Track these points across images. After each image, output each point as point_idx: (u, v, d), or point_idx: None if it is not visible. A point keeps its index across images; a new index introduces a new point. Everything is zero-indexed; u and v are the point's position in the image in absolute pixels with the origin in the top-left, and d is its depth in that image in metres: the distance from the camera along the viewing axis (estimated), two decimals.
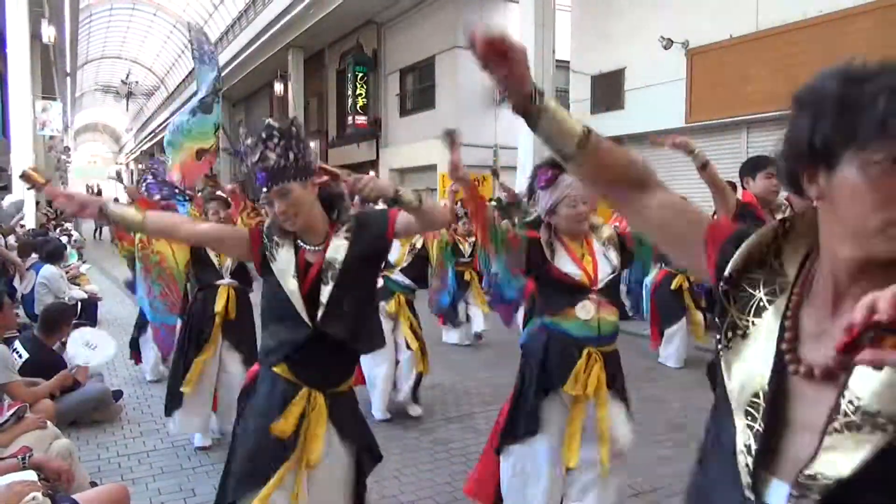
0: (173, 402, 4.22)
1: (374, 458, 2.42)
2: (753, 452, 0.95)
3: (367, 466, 2.38)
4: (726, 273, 1.04)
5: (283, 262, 2.19)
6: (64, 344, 5.02)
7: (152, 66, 41.48)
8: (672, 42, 9.67)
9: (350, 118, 19.34)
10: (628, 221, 1.39)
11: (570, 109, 12.22)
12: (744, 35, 8.89)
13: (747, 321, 1.01)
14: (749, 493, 0.94)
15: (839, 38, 7.67)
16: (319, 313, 2.15)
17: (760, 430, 0.95)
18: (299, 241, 2.22)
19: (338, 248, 2.20)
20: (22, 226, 12.34)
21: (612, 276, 2.79)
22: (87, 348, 4.84)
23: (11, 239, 8.11)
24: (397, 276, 5.01)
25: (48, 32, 16.85)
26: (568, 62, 12.29)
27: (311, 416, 2.19)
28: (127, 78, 42.09)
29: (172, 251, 4.13)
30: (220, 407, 4.33)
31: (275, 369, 2.23)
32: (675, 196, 1.21)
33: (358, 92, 19.02)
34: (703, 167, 3.01)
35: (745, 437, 0.96)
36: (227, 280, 4.32)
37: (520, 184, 11.68)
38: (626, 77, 10.91)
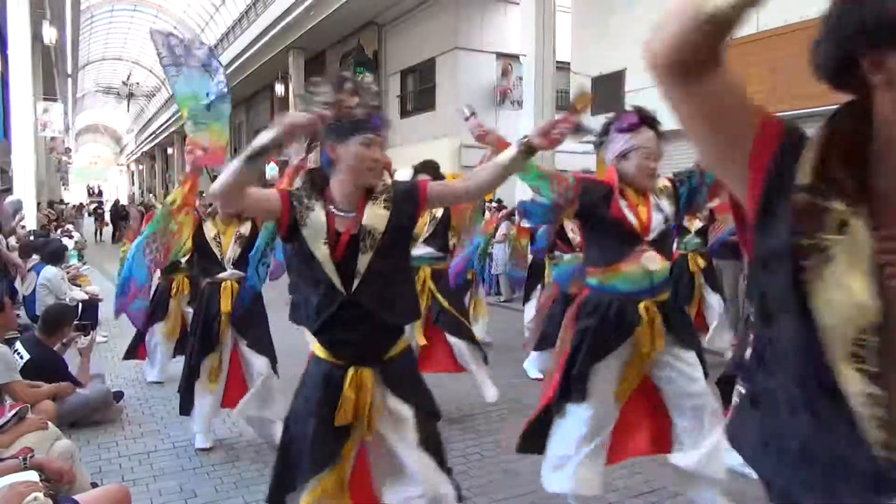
0: (188, 400, 4.18)
1: (432, 414, 2.31)
2: (879, 401, 0.78)
3: (427, 423, 2.27)
4: (803, 181, 0.87)
5: (315, 225, 2.11)
6: (65, 345, 5.03)
7: (153, 68, 41.47)
8: None
9: None
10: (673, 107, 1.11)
11: None
12: (743, 36, 8.88)
13: (828, 241, 0.84)
14: (882, 451, 0.79)
15: None
16: (355, 282, 2.09)
17: (876, 372, 0.78)
18: (331, 206, 2.15)
19: (377, 217, 2.14)
20: (23, 227, 12.35)
21: (664, 226, 2.81)
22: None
23: (12, 240, 8.11)
24: (421, 248, 4.70)
25: (49, 33, 16.87)
26: (568, 63, 12.30)
27: (362, 396, 2.13)
28: (128, 79, 42.14)
29: (187, 232, 4.19)
30: (252, 401, 4.08)
31: (317, 352, 2.21)
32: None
33: None
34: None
35: (860, 384, 0.80)
36: (229, 272, 4.16)
37: (521, 185, 11.68)
38: (626, 78, 10.92)
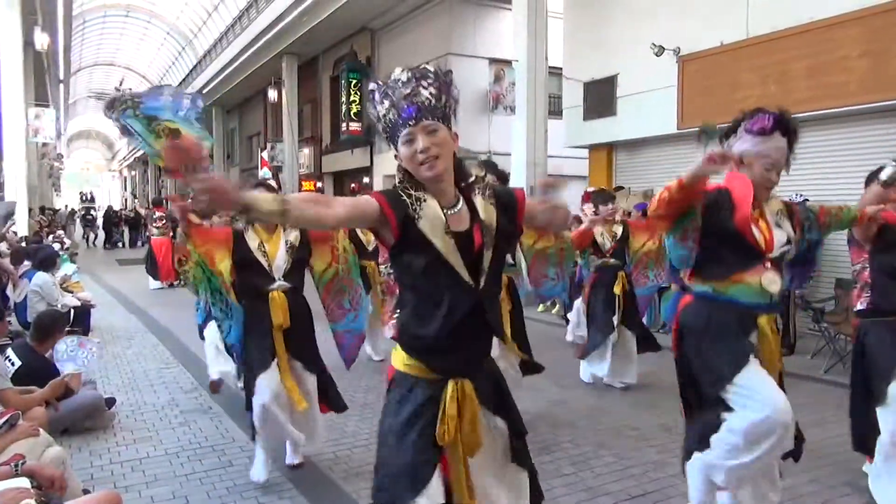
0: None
1: (518, 433, 2.13)
2: None
3: (517, 443, 2.12)
4: None
5: (432, 216, 1.90)
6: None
7: (146, 74, 41.43)
8: (664, 49, 9.74)
9: (344, 125, 19.38)
10: None
11: (563, 116, 12.31)
12: (735, 42, 8.95)
13: None
14: None
15: (828, 44, 7.75)
16: (482, 279, 1.93)
17: None
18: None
19: (488, 212, 1.98)
20: (14, 233, 12.30)
21: (786, 247, 2.65)
22: (71, 359, 4.86)
23: (3, 246, 8.08)
24: None
25: (41, 39, 16.84)
26: (560, 69, 12.35)
27: (465, 412, 1.94)
28: (120, 85, 41.74)
29: (218, 271, 3.54)
30: (299, 429, 3.81)
31: (402, 368, 2.00)
32: None
33: (352, 98, 19.07)
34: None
35: None
36: (278, 283, 3.64)
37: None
38: (618, 83, 10.97)
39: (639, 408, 5.18)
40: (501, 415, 2.08)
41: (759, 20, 8.63)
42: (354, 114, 19.14)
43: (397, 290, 2.09)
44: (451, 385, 1.94)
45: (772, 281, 2.58)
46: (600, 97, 11.28)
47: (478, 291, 1.92)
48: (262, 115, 27.22)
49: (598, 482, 3.83)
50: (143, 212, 21.08)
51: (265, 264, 3.63)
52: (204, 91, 28.87)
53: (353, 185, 20.04)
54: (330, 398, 3.95)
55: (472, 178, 2.02)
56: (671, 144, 10.37)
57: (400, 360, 2.02)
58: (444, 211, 1.92)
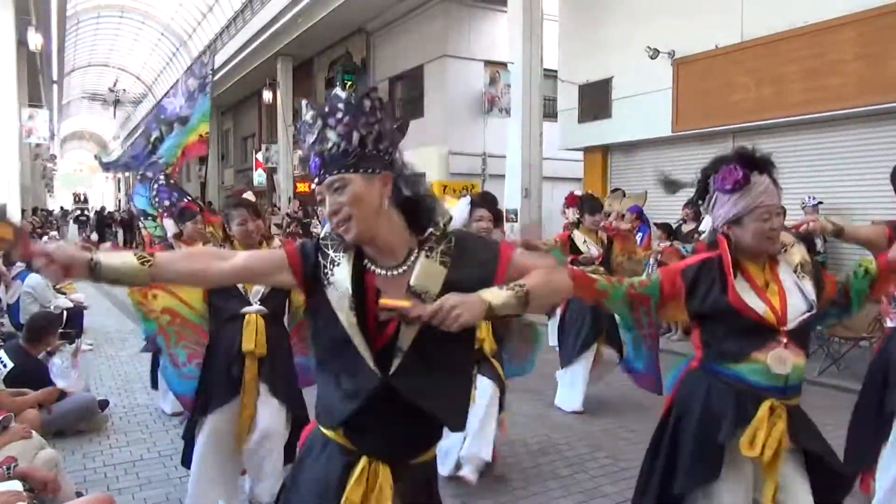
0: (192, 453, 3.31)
1: None
2: None
3: None
4: None
5: (339, 285, 1.61)
6: (50, 353, 4.99)
7: (140, 74, 41.33)
8: (658, 52, 9.77)
9: None
10: None
11: (558, 118, 12.32)
12: (729, 45, 8.98)
13: None
14: None
15: (822, 47, 7.78)
16: (396, 362, 1.57)
17: None
18: (367, 260, 1.64)
19: (430, 275, 1.59)
20: None
21: (806, 315, 2.14)
22: (64, 376, 4.85)
23: None
24: None
25: (35, 40, 16.76)
26: (555, 71, 12.38)
27: (372, 499, 1.62)
28: (114, 86, 41.91)
29: (180, 299, 3.32)
30: (251, 471, 3.34)
31: (326, 431, 1.69)
32: None
33: None
34: (839, 234, 2.74)
35: None
36: (255, 307, 3.26)
37: (509, 189, 11.75)
38: (613, 86, 10.99)
39: (634, 409, 5.18)
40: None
41: (754, 23, 8.66)
42: None
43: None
44: (361, 463, 1.63)
45: (780, 360, 2.09)
46: (595, 100, 11.31)
47: (386, 377, 1.57)
48: (257, 117, 27.18)
49: (594, 484, 3.83)
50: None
51: (241, 288, 3.24)
52: None
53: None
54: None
55: (433, 229, 1.63)
56: (666, 147, 10.40)
57: (324, 423, 1.72)
58: (384, 272, 1.62)
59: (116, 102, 43.46)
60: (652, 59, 9.82)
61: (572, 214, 5.48)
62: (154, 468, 4.12)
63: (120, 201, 54.12)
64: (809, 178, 8.05)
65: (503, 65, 14.77)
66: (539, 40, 11.37)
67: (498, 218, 3.69)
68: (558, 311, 5.51)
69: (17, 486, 2.64)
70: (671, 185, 2.38)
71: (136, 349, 7.52)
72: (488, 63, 16.31)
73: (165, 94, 4.99)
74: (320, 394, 1.70)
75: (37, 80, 22.43)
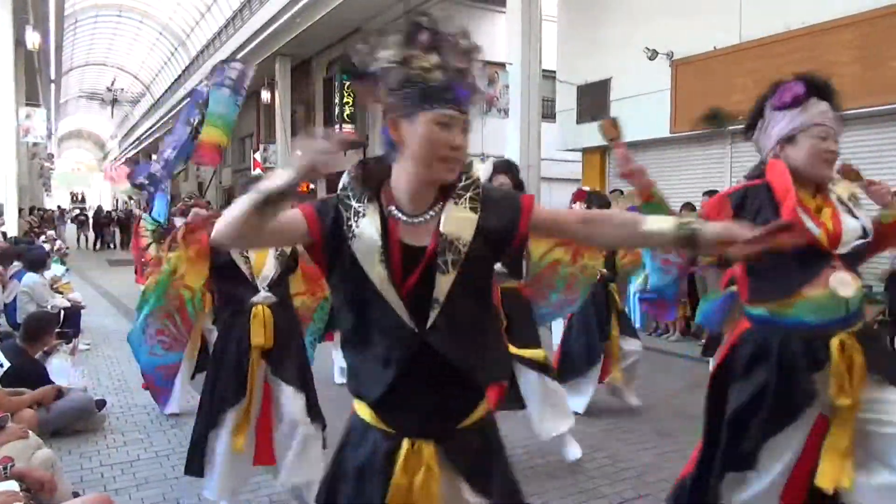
0: (202, 458, 3.23)
1: None
2: None
3: None
4: None
5: (366, 237, 1.49)
6: (47, 353, 4.98)
7: (138, 74, 41.31)
8: (657, 53, 9.78)
9: (337, 127, 19.35)
10: None
11: (557, 119, 12.33)
12: (728, 46, 8.99)
13: None
14: None
15: (820, 49, 7.79)
16: (433, 315, 1.48)
17: None
18: (392, 207, 1.52)
19: (460, 222, 1.50)
20: (3, 234, 12.21)
21: (861, 240, 2.05)
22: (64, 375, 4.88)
23: None
24: None
25: (32, 39, 16.74)
26: (554, 72, 12.38)
27: (420, 483, 1.50)
28: (112, 85, 41.88)
29: (187, 286, 3.41)
30: (280, 460, 3.30)
31: (360, 413, 1.60)
32: None
33: (345, 100, 19.08)
34: None
35: None
36: (263, 295, 3.19)
37: None
38: (611, 87, 11.00)
39: (633, 411, 5.18)
40: (480, 491, 1.57)
41: (752, 25, 8.67)
42: (348, 116, 19.14)
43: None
44: (404, 447, 1.52)
45: (842, 283, 1.98)
46: (594, 100, 11.31)
47: (422, 333, 1.48)
48: (255, 116, 27.14)
49: (593, 485, 3.82)
50: (137, 212, 20.97)
51: (247, 272, 3.17)
52: None
53: None
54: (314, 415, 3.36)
55: (466, 181, 1.56)
56: (664, 148, 10.41)
57: (360, 406, 1.63)
58: (406, 218, 1.52)
59: (114, 102, 43.46)
60: (650, 60, 9.83)
61: (580, 209, 5.48)
62: (151, 468, 4.11)
63: (117, 200, 54.09)
64: None
65: (502, 65, 14.74)
66: (538, 41, 11.37)
67: (518, 186, 3.57)
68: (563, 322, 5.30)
69: (13, 486, 2.63)
70: (716, 121, 2.32)
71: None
72: (487, 63, 16.24)
73: (201, 82, 5.31)
74: (352, 370, 1.60)
75: (34, 79, 22.40)
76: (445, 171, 1.47)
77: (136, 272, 6.95)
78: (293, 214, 1.53)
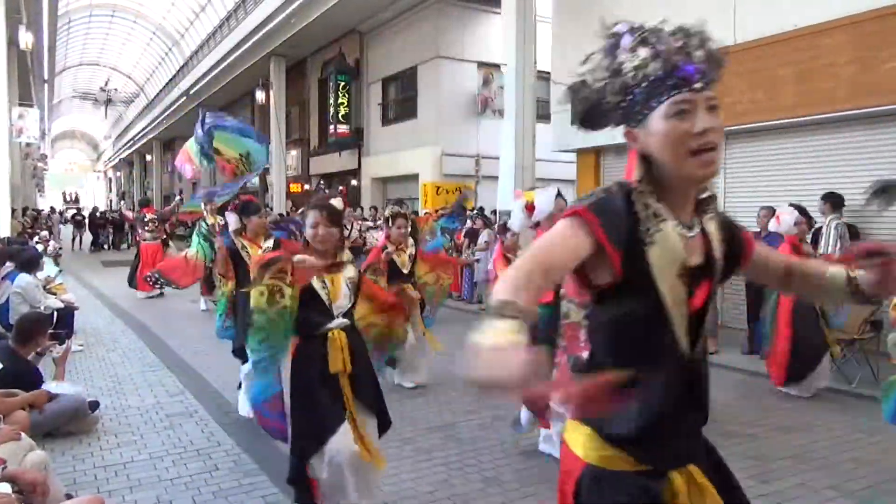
0: (311, 490, 3.14)
1: None
2: None
3: None
4: None
5: (670, 248, 1.31)
6: (39, 354, 4.95)
7: (132, 74, 41.18)
8: None
9: (332, 127, 19.36)
10: None
11: (551, 120, 12.33)
12: (722, 48, 8.99)
13: None
14: None
15: (814, 51, 7.81)
16: (699, 340, 1.37)
17: None
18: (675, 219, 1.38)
19: (717, 242, 1.40)
20: None
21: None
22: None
23: None
24: None
25: (25, 38, 16.66)
26: (549, 73, 12.39)
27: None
28: (106, 85, 41.77)
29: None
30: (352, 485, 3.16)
31: (607, 463, 1.38)
32: None
33: (340, 101, 19.06)
34: None
35: None
36: (338, 322, 3.18)
37: (502, 191, 11.74)
38: None
39: None
40: (728, 495, 1.45)
41: (746, 26, 8.69)
42: (342, 116, 19.13)
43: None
44: (677, 480, 1.36)
45: None
46: None
47: (692, 357, 1.37)
48: (250, 117, 27.11)
49: None
50: (129, 214, 20.90)
51: (325, 299, 3.14)
52: (191, 92, 28.76)
53: (340, 188, 20.00)
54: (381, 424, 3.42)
55: (709, 192, 1.39)
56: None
57: (590, 447, 1.40)
58: (685, 232, 1.34)
59: (108, 102, 43.34)
60: None
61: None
62: (144, 470, 4.09)
63: (111, 201, 53.91)
64: (801, 180, 8.08)
65: (496, 66, 14.78)
66: (532, 42, 11.38)
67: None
68: None
69: (5, 488, 2.62)
70: (886, 195, 2.10)
71: (126, 350, 7.49)
72: (482, 64, 16.34)
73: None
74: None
75: (27, 79, 22.30)
76: (700, 166, 1.29)
77: (136, 276, 6.89)
78: (572, 240, 1.30)
